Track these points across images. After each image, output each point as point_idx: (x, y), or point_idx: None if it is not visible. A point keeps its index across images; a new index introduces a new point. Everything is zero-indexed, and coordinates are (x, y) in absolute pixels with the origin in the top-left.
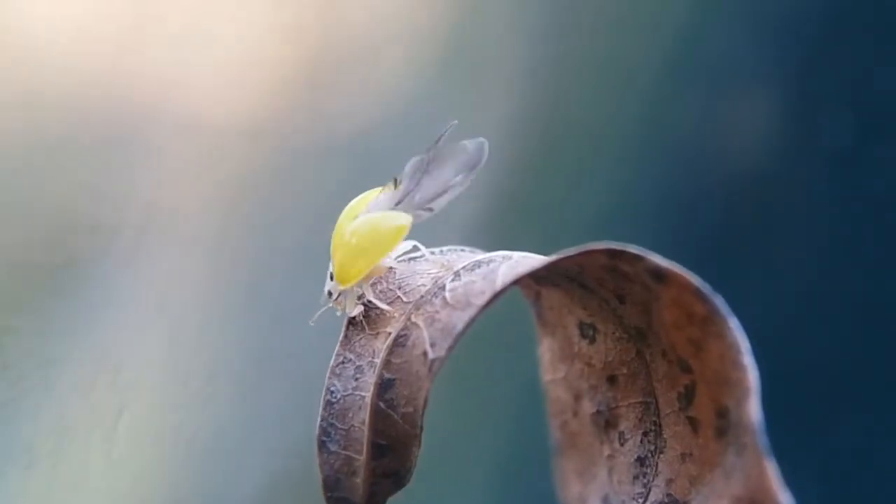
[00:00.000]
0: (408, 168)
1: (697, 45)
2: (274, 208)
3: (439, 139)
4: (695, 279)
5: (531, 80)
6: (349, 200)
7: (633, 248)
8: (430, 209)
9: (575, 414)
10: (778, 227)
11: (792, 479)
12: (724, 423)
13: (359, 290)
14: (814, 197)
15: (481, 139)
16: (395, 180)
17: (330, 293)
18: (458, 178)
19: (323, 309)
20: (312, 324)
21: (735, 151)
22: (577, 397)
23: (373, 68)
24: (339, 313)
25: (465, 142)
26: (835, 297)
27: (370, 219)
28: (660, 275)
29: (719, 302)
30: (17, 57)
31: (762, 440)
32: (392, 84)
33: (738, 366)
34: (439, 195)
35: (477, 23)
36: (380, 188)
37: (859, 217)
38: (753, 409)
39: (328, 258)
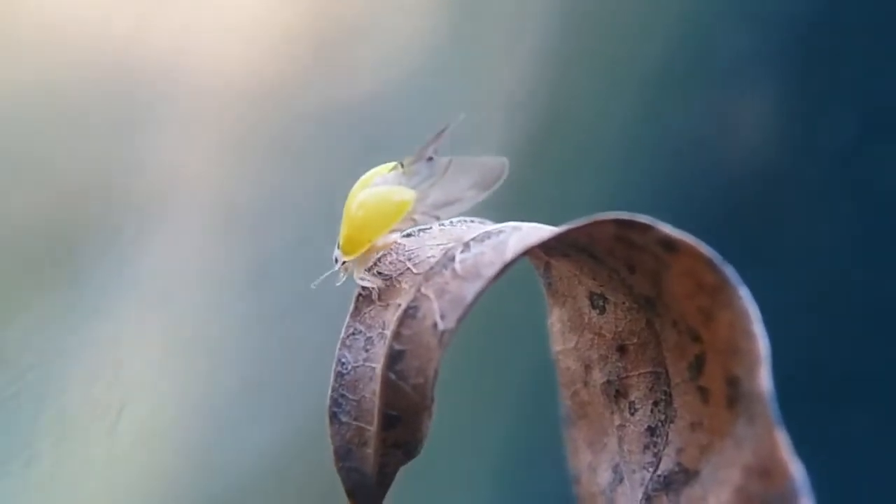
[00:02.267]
0: (423, 167)
1: (701, 40)
2: (277, 193)
3: (440, 133)
4: (705, 248)
5: (538, 58)
6: (355, 174)
7: (643, 218)
8: (437, 217)
9: (585, 384)
10: (780, 225)
11: None
12: (735, 393)
13: (368, 260)
14: (816, 195)
15: (503, 159)
16: (402, 164)
17: (336, 259)
18: (471, 193)
19: (328, 273)
20: (314, 287)
21: (737, 148)
22: (588, 367)
23: (380, 33)
24: (339, 283)
25: (487, 158)
26: (838, 295)
27: (376, 192)
28: (670, 244)
29: (729, 271)
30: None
31: (773, 409)
32: (399, 49)
33: (748, 335)
34: (450, 204)
35: None
36: (392, 164)
37: (862, 215)
38: (764, 379)
39: (331, 246)
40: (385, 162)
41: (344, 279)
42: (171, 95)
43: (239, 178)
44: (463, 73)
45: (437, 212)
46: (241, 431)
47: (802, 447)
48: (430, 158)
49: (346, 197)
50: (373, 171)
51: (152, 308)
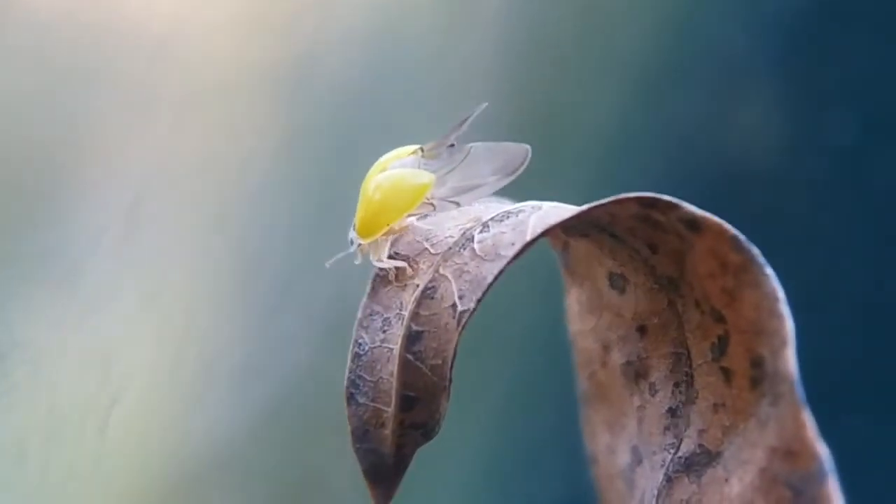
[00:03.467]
0: (444, 152)
1: (698, 38)
2: (267, 186)
3: (464, 121)
4: (730, 228)
5: (528, 47)
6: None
7: (666, 197)
8: (457, 204)
9: (604, 365)
10: (776, 221)
11: None
12: (759, 373)
13: (385, 242)
14: (813, 192)
15: (526, 145)
16: (422, 149)
17: (352, 241)
18: (492, 179)
19: (343, 254)
20: (329, 266)
21: (733, 142)
22: (606, 348)
23: (368, 17)
24: (357, 261)
25: (509, 144)
26: (836, 293)
27: (394, 174)
28: (694, 224)
29: (755, 251)
30: None
31: (799, 390)
32: (389, 36)
33: (774, 315)
34: (469, 190)
35: None
36: (412, 148)
37: (861, 214)
38: (790, 359)
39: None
40: (376, 152)
41: (360, 260)
42: (158, 89)
43: (229, 171)
44: (453, 62)
45: (456, 198)
46: (233, 427)
47: None
48: (452, 145)
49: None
50: (391, 153)
51: (143, 304)
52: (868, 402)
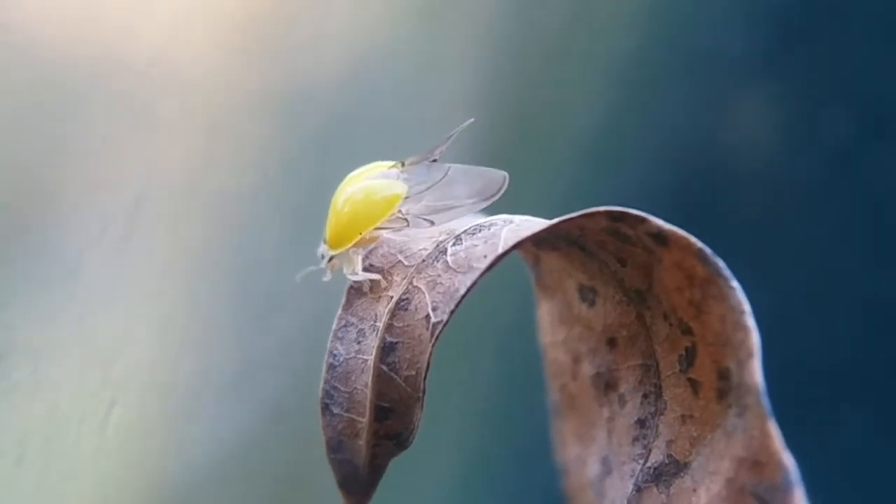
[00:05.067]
0: (423, 169)
1: (693, 37)
2: (267, 188)
3: (449, 137)
4: (697, 241)
5: (507, 53)
6: (343, 168)
7: (634, 211)
8: (431, 222)
9: (574, 376)
10: (775, 224)
11: None
12: (726, 385)
13: (356, 254)
14: (807, 191)
15: (504, 173)
16: (402, 163)
17: (322, 255)
18: (468, 201)
19: (311, 269)
20: (299, 279)
21: (720, 144)
22: (577, 360)
23: (349, 14)
24: (326, 278)
25: (488, 169)
26: (833, 293)
27: (366, 186)
28: (662, 237)
29: (721, 264)
30: None
31: (764, 401)
32: (367, 33)
33: (740, 327)
34: (445, 210)
35: None
36: (389, 163)
37: (859, 214)
38: (756, 370)
39: (317, 242)
40: (363, 163)
41: (330, 276)
42: (155, 94)
43: (229, 173)
44: (433, 71)
45: (430, 216)
46: (232, 428)
47: (796, 447)
48: (434, 160)
49: (328, 198)
50: (369, 166)
51: (143, 305)
52: (866, 401)
